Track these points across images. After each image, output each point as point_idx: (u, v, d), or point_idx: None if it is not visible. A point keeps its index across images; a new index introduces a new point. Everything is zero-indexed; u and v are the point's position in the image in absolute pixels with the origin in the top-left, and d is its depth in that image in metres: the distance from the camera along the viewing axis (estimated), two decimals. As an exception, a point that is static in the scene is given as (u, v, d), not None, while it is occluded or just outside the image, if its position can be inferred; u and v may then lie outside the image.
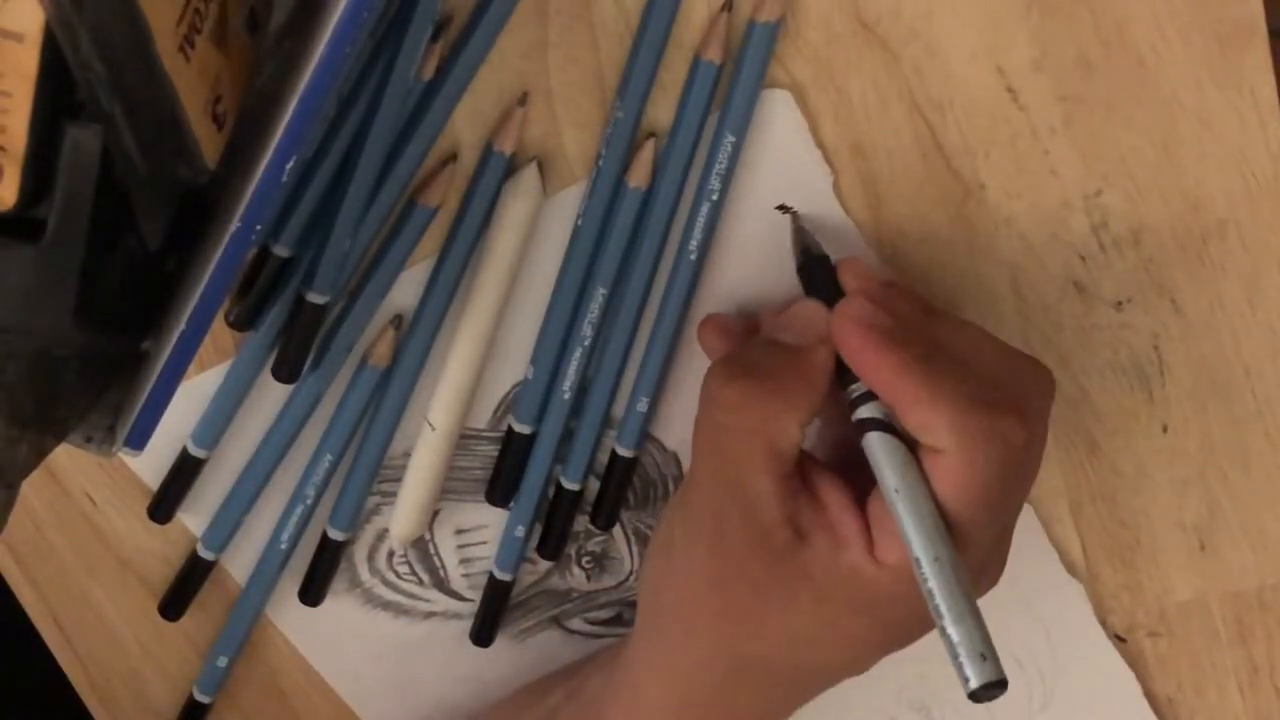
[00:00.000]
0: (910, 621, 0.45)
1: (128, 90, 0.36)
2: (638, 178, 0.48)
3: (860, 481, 0.44)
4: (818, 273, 0.47)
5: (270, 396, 0.52)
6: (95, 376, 0.42)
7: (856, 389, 0.44)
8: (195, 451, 0.52)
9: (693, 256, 0.49)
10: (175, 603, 0.55)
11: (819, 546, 0.44)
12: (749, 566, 0.44)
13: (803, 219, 0.49)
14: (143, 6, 0.35)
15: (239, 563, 0.55)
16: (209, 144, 0.40)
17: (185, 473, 0.53)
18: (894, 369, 0.43)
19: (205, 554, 0.54)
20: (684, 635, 0.46)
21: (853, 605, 0.44)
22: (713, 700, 0.47)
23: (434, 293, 0.50)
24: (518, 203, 0.49)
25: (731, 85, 0.48)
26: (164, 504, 0.53)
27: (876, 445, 0.43)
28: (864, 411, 0.44)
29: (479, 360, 0.51)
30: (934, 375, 0.42)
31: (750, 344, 0.47)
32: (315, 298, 0.49)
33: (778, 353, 0.45)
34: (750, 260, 0.50)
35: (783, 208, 0.49)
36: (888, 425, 0.43)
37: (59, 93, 0.36)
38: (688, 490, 0.46)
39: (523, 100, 0.48)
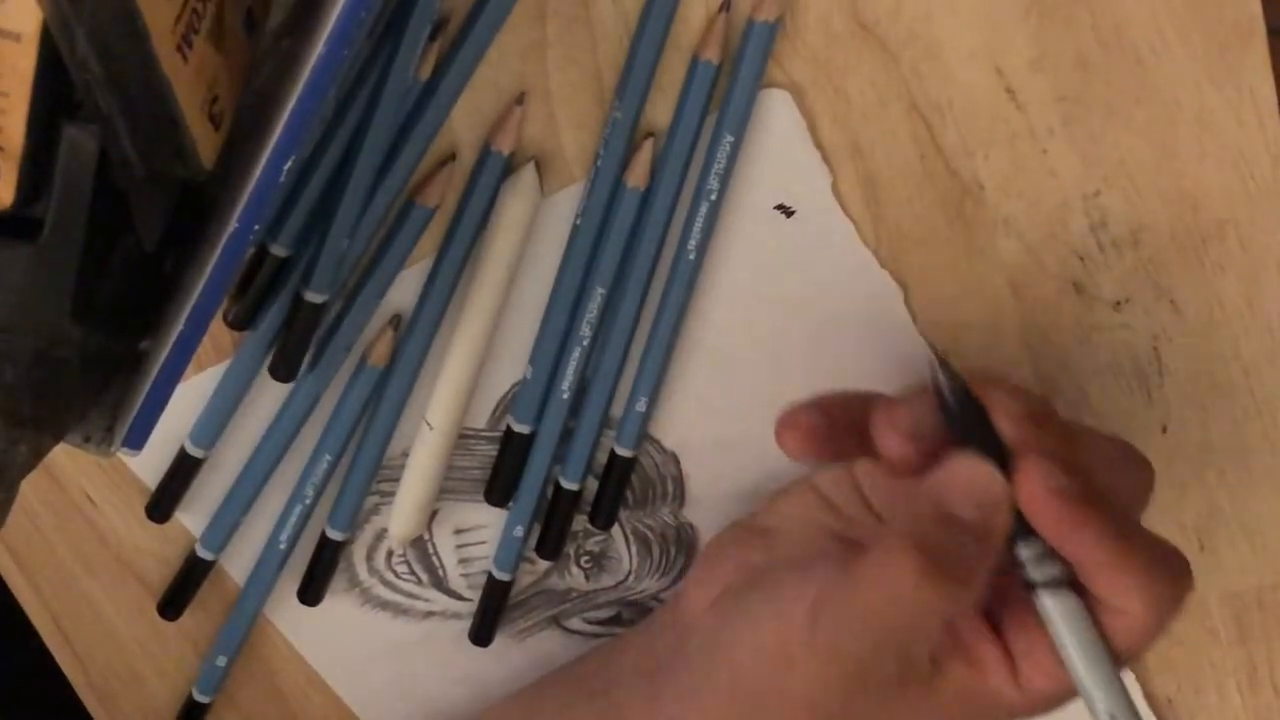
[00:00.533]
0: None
1: (125, 90, 0.36)
2: (636, 178, 0.48)
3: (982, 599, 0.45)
4: (971, 420, 0.44)
5: (269, 396, 0.52)
6: (94, 376, 0.42)
7: (1030, 549, 0.43)
8: (193, 451, 0.52)
9: (691, 256, 0.49)
10: (174, 602, 0.55)
11: (954, 673, 0.44)
12: (884, 698, 0.44)
13: (942, 353, 0.47)
14: (140, 6, 0.35)
15: (238, 562, 0.55)
16: (206, 144, 0.40)
17: (184, 472, 0.53)
18: (1093, 541, 0.42)
19: (204, 554, 0.54)
20: None
21: (977, 718, 0.45)
22: None
23: (432, 292, 0.50)
24: (516, 202, 0.49)
25: (730, 85, 0.47)
26: (162, 503, 0.53)
27: (1059, 608, 0.43)
28: (1039, 572, 0.43)
29: (477, 360, 0.51)
30: (1129, 544, 0.42)
31: (925, 520, 0.44)
32: (313, 297, 0.49)
33: (961, 537, 0.43)
34: (749, 260, 0.50)
35: (782, 208, 0.49)
36: (1064, 582, 0.43)
37: (56, 92, 0.36)
38: (835, 634, 0.44)
39: (521, 100, 0.48)
